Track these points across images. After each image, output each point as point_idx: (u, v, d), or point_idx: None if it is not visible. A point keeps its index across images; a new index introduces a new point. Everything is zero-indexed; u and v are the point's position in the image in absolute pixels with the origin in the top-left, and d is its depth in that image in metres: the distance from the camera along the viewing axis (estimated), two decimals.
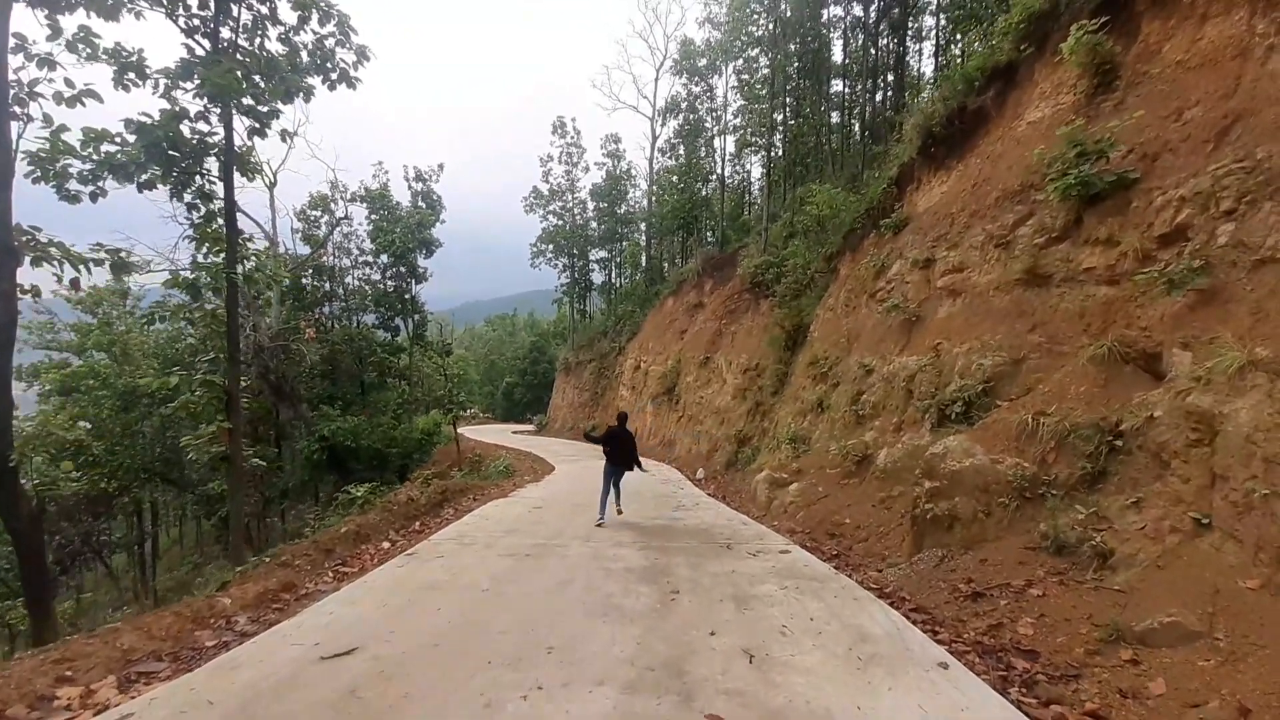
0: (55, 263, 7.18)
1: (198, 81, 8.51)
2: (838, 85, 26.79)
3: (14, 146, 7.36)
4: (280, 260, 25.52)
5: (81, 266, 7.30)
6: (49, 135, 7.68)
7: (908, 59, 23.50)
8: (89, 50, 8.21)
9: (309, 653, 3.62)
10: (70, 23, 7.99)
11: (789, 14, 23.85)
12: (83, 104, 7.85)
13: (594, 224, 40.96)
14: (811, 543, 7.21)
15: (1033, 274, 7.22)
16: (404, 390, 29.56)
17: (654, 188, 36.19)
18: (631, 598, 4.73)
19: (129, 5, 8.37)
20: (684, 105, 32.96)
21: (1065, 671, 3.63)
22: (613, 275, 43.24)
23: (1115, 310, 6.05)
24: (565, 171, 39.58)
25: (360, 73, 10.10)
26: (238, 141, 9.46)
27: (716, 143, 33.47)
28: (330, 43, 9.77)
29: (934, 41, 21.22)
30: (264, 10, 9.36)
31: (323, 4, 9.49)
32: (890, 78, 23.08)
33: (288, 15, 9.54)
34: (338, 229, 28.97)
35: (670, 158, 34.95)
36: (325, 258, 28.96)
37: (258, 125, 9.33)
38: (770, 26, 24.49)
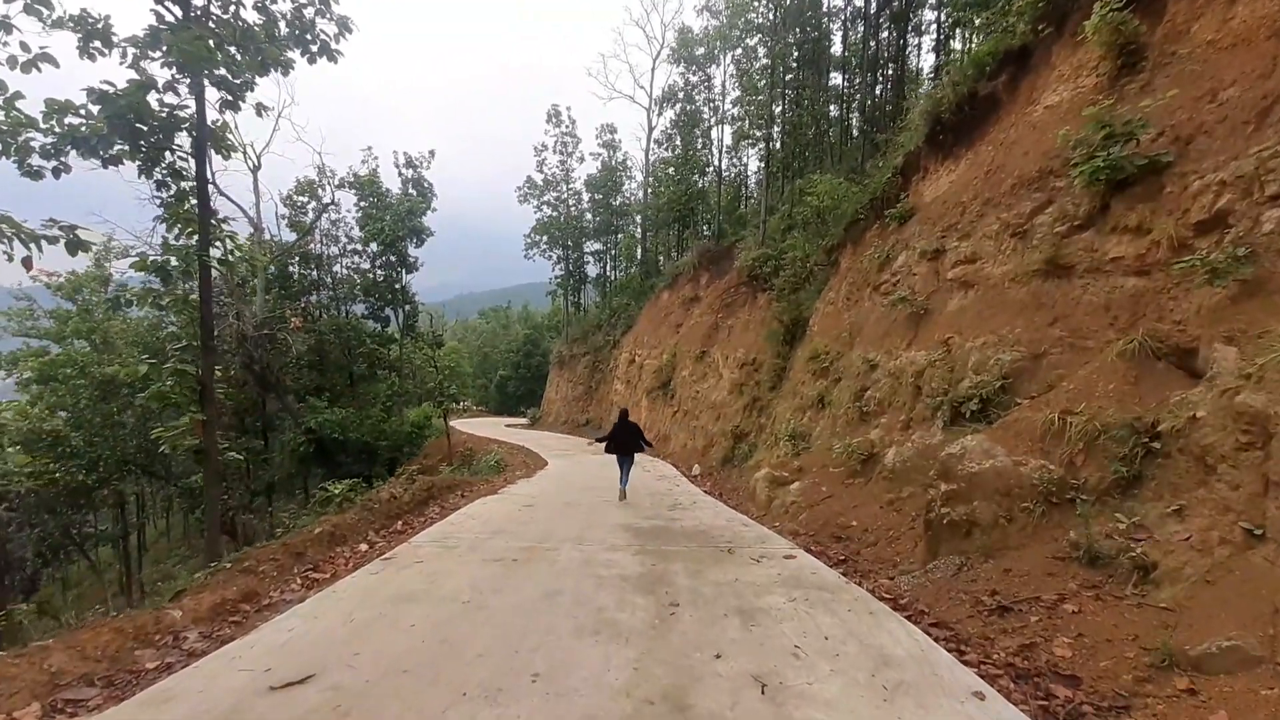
0: (6, 240, 6.62)
1: (165, 49, 7.94)
2: (837, 79, 26.37)
3: None
4: (264, 246, 24.82)
5: (33, 244, 6.74)
6: (1, 102, 7.10)
7: (908, 53, 23.06)
8: (49, 13, 7.63)
9: (257, 680, 3.17)
10: None
11: (790, 1, 23.35)
12: (38, 69, 7.28)
13: (589, 215, 40.40)
14: (817, 546, 6.82)
15: (1053, 264, 6.81)
16: (394, 382, 28.89)
17: (650, 179, 35.66)
18: (627, 611, 4.30)
19: None
20: (681, 95, 32.39)
21: (1113, 702, 3.23)
22: (608, 268, 42.70)
23: (1145, 303, 5.66)
24: (560, 161, 38.97)
25: (342, 45, 9.54)
26: (211, 116, 8.89)
27: (714, 133, 32.95)
28: (310, 12, 9.18)
29: (934, 36, 20.82)
30: None
31: None
32: (890, 71, 22.63)
33: None
34: (325, 215, 28.26)
35: (667, 149, 34.39)
36: (313, 245, 28.24)
37: (230, 98, 8.75)
38: (770, 14, 23.97)
